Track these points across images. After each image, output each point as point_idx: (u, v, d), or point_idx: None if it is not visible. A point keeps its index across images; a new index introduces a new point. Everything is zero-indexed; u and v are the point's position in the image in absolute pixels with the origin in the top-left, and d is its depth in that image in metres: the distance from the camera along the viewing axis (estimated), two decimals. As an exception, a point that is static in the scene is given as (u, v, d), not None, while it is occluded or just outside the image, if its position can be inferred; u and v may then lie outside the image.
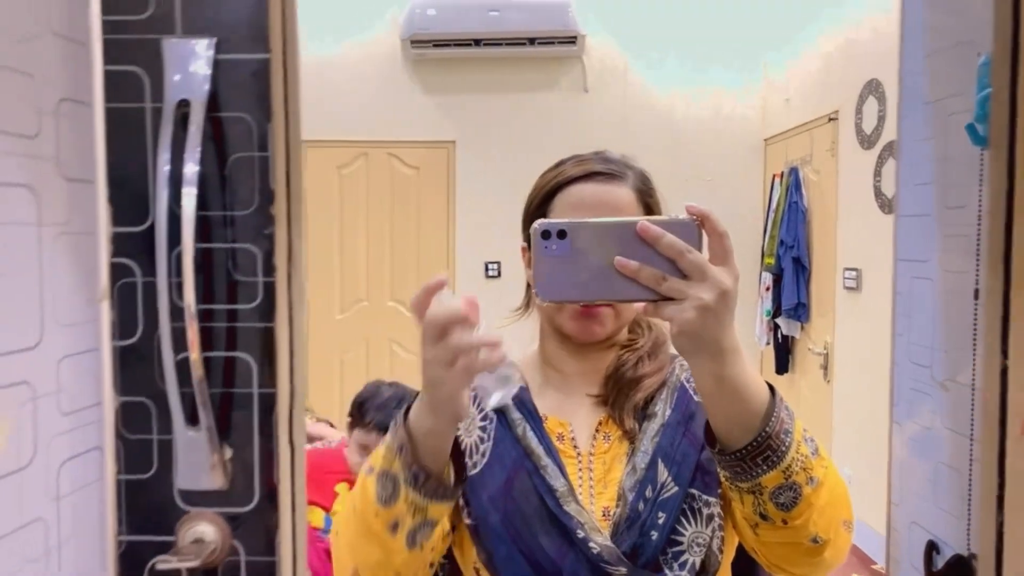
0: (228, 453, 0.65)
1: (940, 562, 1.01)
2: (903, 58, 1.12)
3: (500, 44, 4.82)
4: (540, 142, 4.96)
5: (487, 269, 5.18)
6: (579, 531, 0.87)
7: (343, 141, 5.09)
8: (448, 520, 0.89)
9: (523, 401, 0.97)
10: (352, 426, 2.08)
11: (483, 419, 0.97)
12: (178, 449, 0.64)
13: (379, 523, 0.80)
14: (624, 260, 0.69)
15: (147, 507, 0.66)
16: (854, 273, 3.94)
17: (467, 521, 0.92)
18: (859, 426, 3.96)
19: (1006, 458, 0.64)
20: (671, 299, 0.70)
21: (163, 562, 0.61)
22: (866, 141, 3.83)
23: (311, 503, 2.03)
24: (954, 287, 1.00)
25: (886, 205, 3.65)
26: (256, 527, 0.65)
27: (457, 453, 0.84)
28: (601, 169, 0.95)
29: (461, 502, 0.93)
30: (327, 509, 2.03)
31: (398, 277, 5.27)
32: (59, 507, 0.63)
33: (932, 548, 1.03)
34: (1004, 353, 0.65)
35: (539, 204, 0.97)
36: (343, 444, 2.15)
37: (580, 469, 0.94)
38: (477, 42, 4.81)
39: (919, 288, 1.08)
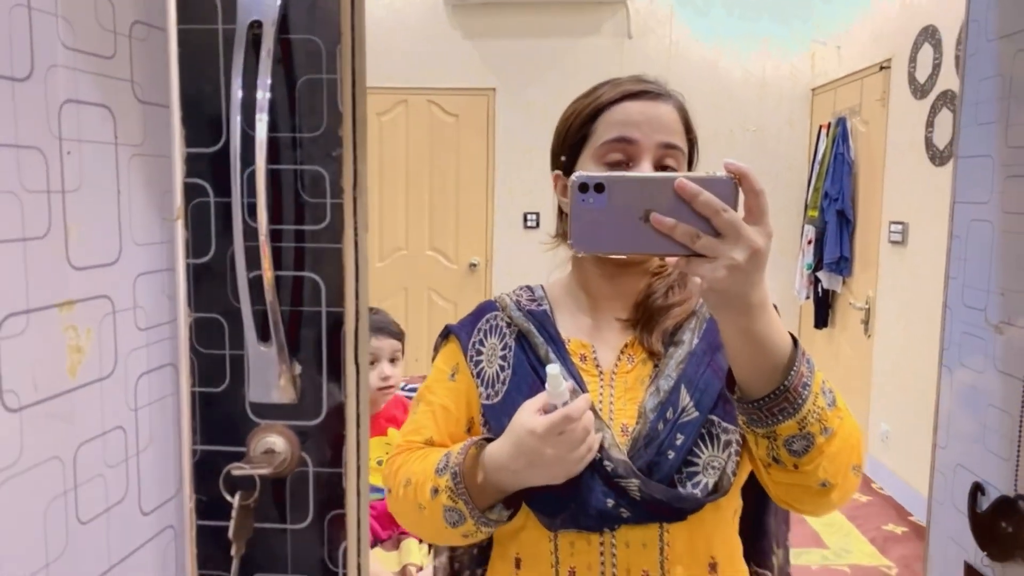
0: (297, 369, 0.67)
1: (984, 503, 1.02)
2: (971, -7, 1.09)
3: (543, -12, 4.74)
4: (582, 90, 4.89)
5: (526, 220, 5.17)
6: None
7: (382, 88, 5.07)
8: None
9: (544, 326, 0.99)
10: None
11: (503, 348, 1.00)
12: (250, 364, 0.67)
13: (450, 534, 0.93)
14: (660, 217, 0.70)
15: (220, 419, 0.69)
16: (900, 227, 3.87)
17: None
18: (900, 382, 3.93)
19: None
20: (703, 255, 0.71)
21: (238, 469, 0.64)
22: (919, 91, 3.72)
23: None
24: (1014, 228, 0.98)
25: (937, 157, 3.55)
26: (323, 440, 0.68)
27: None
28: (647, 88, 0.97)
29: (483, 428, 0.98)
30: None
31: (437, 226, 5.29)
32: (137, 417, 0.67)
33: (977, 490, 1.03)
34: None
35: (580, 127, 0.98)
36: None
37: (601, 386, 0.97)
38: (519, -14, 4.73)
39: (977, 230, 1.07)
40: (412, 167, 5.24)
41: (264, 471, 0.64)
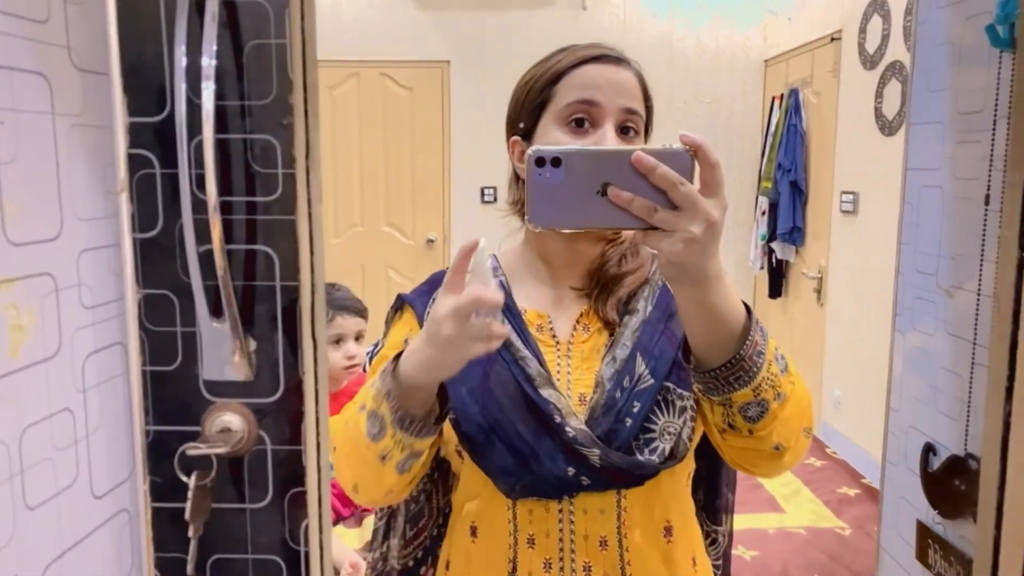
0: (252, 345, 0.65)
1: (936, 463, 1.05)
2: (922, -40, 1.10)
3: (496, -41, 4.68)
4: (537, 62, 4.85)
5: (483, 194, 5.14)
6: (556, 416, 0.90)
7: (334, 61, 4.97)
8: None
9: None
10: None
11: None
12: (203, 341, 0.65)
13: (370, 454, 0.86)
14: (618, 191, 0.70)
15: (173, 398, 0.67)
16: (851, 196, 3.94)
17: (449, 416, 0.94)
18: (851, 349, 4.02)
19: (1018, 348, 0.66)
20: (661, 229, 0.71)
21: (193, 448, 0.62)
22: (869, 62, 3.77)
23: None
24: (964, 194, 1.00)
25: (887, 127, 3.61)
26: (281, 417, 0.66)
27: (441, 389, 0.87)
28: (607, 53, 0.96)
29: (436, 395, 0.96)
30: None
31: (393, 202, 5.24)
32: (86, 398, 0.64)
33: (929, 450, 1.06)
34: (1022, 247, 0.66)
35: (540, 91, 0.96)
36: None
37: (559, 357, 0.97)
38: (472, -43, 4.66)
39: (928, 196, 1.08)
40: (366, 142, 5.16)
41: (220, 450, 0.63)
